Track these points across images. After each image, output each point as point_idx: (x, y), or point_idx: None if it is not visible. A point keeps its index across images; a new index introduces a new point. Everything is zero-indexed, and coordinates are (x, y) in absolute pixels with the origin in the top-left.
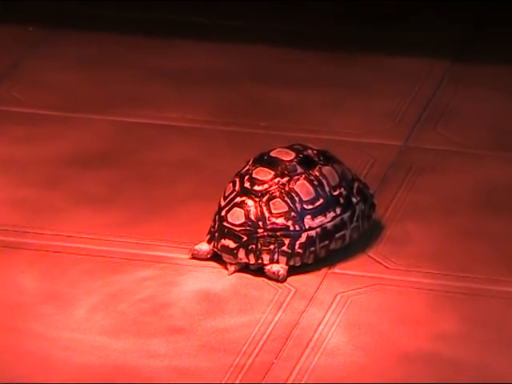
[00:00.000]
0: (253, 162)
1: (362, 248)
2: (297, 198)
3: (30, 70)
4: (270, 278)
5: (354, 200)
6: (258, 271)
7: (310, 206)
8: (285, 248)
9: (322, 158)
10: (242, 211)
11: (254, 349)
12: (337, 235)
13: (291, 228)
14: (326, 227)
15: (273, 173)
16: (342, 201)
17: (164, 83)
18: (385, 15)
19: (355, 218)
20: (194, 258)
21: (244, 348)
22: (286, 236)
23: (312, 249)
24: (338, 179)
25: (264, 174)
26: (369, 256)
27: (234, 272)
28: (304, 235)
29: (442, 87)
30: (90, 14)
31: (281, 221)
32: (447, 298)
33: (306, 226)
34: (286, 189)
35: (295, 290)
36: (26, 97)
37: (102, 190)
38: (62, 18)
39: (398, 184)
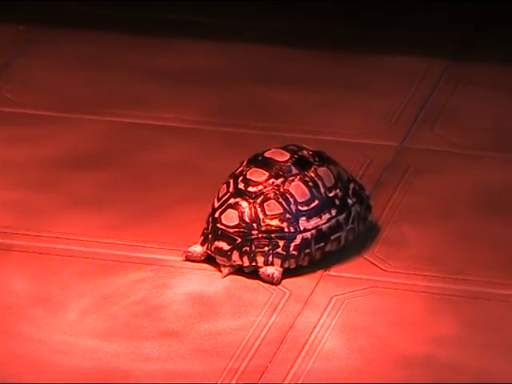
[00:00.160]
0: (247, 162)
1: (357, 250)
2: (292, 200)
3: (22, 70)
4: (264, 281)
5: (350, 201)
6: (252, 274)
7: (305, 208)
8: (279, 250)
9: (317, 158)
10: (236, 213)
11: (248, 352)
12: (332, 237)
13: (286, 230)
14: (321, 229)
15: (267, 174)
16: (337, 202)
17: (160, 83)
18: (384, 15)
19: (351, 220)
20: (187, 259)
21: (238, 351)
22: (280, 238)
23: (307, 251)
24: (333, 180)
25: (258, 174)
26: (365, 258)
27: (228, 274)
28: (299, 237)
29: (439, 87)
30: (84, 12)
31: (275, 222)
32: (445, 301)
33: (301, 228)
34: (281, 190)
35: (290, 292)
36: (17, 97)
37: (95, 191)
38: (53, 16)
39: (395, 185)
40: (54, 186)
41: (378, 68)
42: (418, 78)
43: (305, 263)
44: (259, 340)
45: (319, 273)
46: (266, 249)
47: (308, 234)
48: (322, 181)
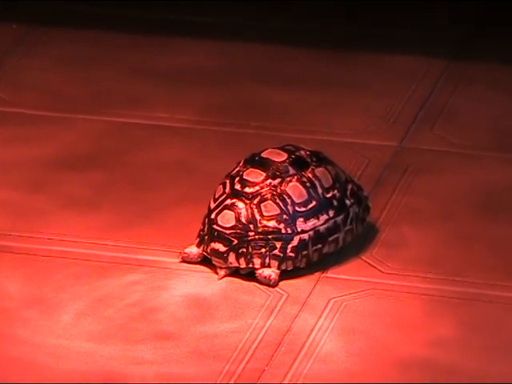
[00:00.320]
0: (243, 163)
1: (355, 252)
2: (289, 201)
3: (15, 69)
4: (261, 283)
5: (348, 202)
6: (249, 275)
7: (303, 209)
8: (276, 252)
9: (314, 158)
10: (233, 214)
11: (245, 355)
12: (330, 238)
13: (283, 231)
14: (318, 230)
15: (264, 174)
16: (335, 203)
17: (158, 83)
18: (384, 15)
19: (349, 221)
20: (183, 261)
21: (234, 354)
22: (277, 239)
23: (304, 252)
24: (331, 181)
25: (255, 175)
26: (363, 260)
27: (224, 276)
28: (296, 238)
29: (439, 86)
30: (79, 10)
31: (272, 224)
32: (444, 303)
33: (299, 229)
34: (278, 191)
35: (287, 294)
36: (10, 96)
37: (89, 192)
38: (46, 15)
39: (394, 186)
40: (48, 187)
41: (378, 68)
42: (417, 78)
43: (302, 265)
44: (256, 343)
45: (317, 275)
46: (263, 250)
47: (305, 236)
48: (319, 181)
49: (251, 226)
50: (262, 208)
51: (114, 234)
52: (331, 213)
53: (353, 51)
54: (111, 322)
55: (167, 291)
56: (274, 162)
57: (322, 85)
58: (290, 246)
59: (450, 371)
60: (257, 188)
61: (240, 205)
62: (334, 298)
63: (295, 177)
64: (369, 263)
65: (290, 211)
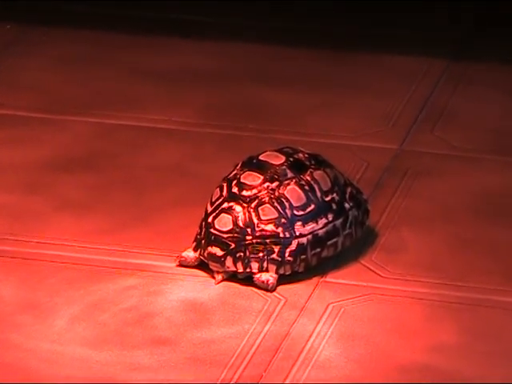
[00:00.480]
0: (241, 165)
1: (355, 256)
2: (287, 204)
3: (8, 70)
4: (258, 288)
5: (347, 206)
6: (247, 280)
7: (301, 212)
8: (274, 256)
9: (313, 161)
10: (230, 217)
11: (242, 361)
12: (329, 242)
13: (281, 235)
14: (317, 234)
15: (262, 177)
16: (334, 207)
17: (151, 83)
18: (384, 15)
19: (348, 225)
20: (180, 265)
21: (232, 360)
22: (275, 243)
23: (303, 257)
24: (330, 184)
25: (253, 178)
26: (362, 264)
27: (222, 281)
28: (294, 242)
29: (439, 87)
30: (77, 10)
31: (270, 227)
32: (444, 308)
33: (297, 233)
34: (276, 194)
35: (285, 299)
36: (3, 98)
37: (84, 195)
38: (44, 15)
39: (393, 189)
40: (42, 190)
41: (378, 68)
42: (417, 79)
43: (300, 269)
44: (254, 348)
45: (315, 279)
46: (261, 254)
47: (304, 240)
48: (318, 184)
49: (249, 230)
50: (260, 211)
51: (109, 237)
52: (330, 216)
53: (353, 51)
54: (106, 327)
55: (163, 296)
56: (272, 164)
57: (322, 85)
58: (288, 250)
59: (451, 377)
60: (254, 191)
61: (237, 208)
62: (332, 302)
63: (293, 180)
64: (368, 267)
65: (288, 215)
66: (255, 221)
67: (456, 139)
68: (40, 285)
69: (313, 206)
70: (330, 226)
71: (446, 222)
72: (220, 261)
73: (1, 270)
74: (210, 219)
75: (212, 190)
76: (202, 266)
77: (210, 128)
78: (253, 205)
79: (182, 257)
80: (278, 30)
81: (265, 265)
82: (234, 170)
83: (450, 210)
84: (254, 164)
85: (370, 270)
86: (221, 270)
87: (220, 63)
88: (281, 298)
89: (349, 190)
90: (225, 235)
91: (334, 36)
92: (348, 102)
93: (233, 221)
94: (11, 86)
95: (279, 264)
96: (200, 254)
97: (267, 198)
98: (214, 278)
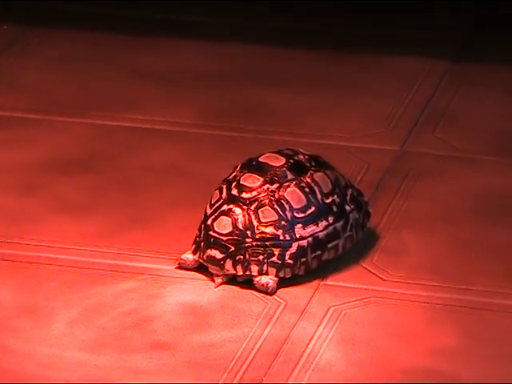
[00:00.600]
0: (241, 167)
1: (355, 259)
2: (287, 206)
3: (5, 70)
4: (258, 291)
5: (348, 208)
6: (246, 283)
7: (301, 215)
8: (274, 259)
9: (313, 163)
10: (230, 220)
11: (242, 365)
12: (329, 245)
13: (281, 237)
14: (317, 237)
15: (262, 179)
16: (334, 209)
17: (150, 84)
18: (384, 15)
19: (349, 227)
20: (180, 267)
21: (231, 364)
22: (275, 246)
23: (303, 259)
24: (330, 186)
25: (252, 180)
26: (363, 267)
27: (221, 284)
28: (295, 245)
29: (441, 87)
30: (73, 11)
31: (270, 230)
32: (446, 312)
33: (297, 236)
34: (276, 196)
35: (285, 303)
36: (1, 98)
37: (81, 197)
38: (39, 15)
39: (394, 191)
40: (38, 192)
41: (378, 68)
42: (419, 79)
43: (301, 272)
44: (253, 352)
45: (316, 282)
46: (261, 257)
47: (304, 242)
48: (318, 186)
49: (248, 233)
50: (260, 214)
51: (107, 239)
52: (331, 219)
53: (353, 51)
54: (105, 331)
55: (162, 299)
56: (272, 166)
57: (322, 86)
58: (288, 252)
59: (453, 381)
60: (254, 193)
61: (237, 210)
62: (333, 306)
63: (294, 182)
64: (369, 270)
65: (289, 217)
66: (255, 223)
67: (457, 140)
68: (37, 288)
69: (313, 209)
70: (331, 228)
71: (447, 224)
72: (219, 264)
73: None
74: (209, 221)
75: (211, 191)
76: (201, 268)
77: (209, 129)
78: (252, 207)
79: (181, 259)
80: (278, 30)
81: (265, 268)
82: (233, 172)
83: (451, 211)
84: (253, 166)
85: (371, 272)
86: (220, 273)
87: (219, 64)
88: (281, 301)
89: (349, 191)
90: (224, 238)
91: (334, 36)
92: (348, 103)
93: (232, 223)
94: (10, 87)
95: (279, 267)
96: (199, 257)
97: (267, 200)
98: (213, 281)
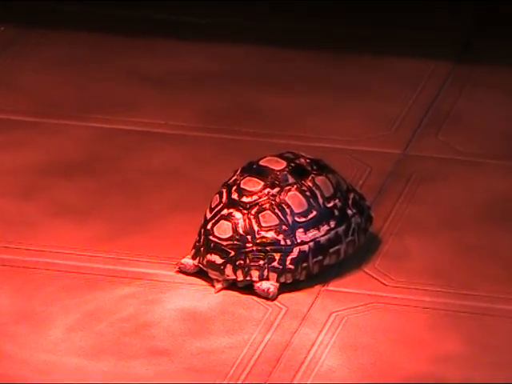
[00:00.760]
0: (241, 171)
1: (357, 264)
2: (288, 210)
3: (3, 72)
4: (259, 296)
5: (350, 212)
6: (247, 288)
7: (303, 219)
8: (275, 264)
9: (315, 167)
10: (230, 224)
11: (243, 372)
12: (331, 250)
13: (282, 242)
14: (319, 241)
15: (262, 183)
16: (336, 213)
17: (149, 86)
18: (384, 15)
19: (351, 232)
20: (180, 271)
21: (231, 371)
22: (276, 251)
23: (304, 264)
24: (332, 190)
25: (253, 184)
26: (365, 272)
27: (221, 289)
28: (296, 250)
29: (444, 89)
30: (72, 12)
31: (271, 234)
32: (450, 318)
33: (298, 240)
34: (277, 200)
35: (286, 308)
36: (0, 100)
37: (80, 201)
38: (38, 17)
39: (397, 195)
40: (36, 196)
41: (379, 70)
42: (422, 81)
43: (302, 277)
44: (254, 358)
45: (317, 288)
46: (261, 262)
47: (305, 247)
48: (320, 190)
49: (249, 237)
50: (260, 218)
51: (105, 244)
52: (332, 223)
53: (353, 52)
54: (103, 336)
55: (161, 305)
56: (273, 170)
57: (323, 87)
58: (289, 257)
59: None
60: (255, 197)
61: (237, 215)
62: (335, 311)
63: (295, 186)
64: (371, 275)
65: (290, 221)
66: (255, 228)
67: (461, 143)
68: (35, 293)
69: (315, 213)
70: (333, 233)
71: (450, 229)
72: (219, 269)
73: None
74: (209, 226)
75: (211, 194)
76: (201, 274)
77: (209, 131)
78: (253, 211)
79: (181, 263)
80: (278, 31)
81: (265, 273)
82: (233, 176)
83: (454, 215)
84: (254, 169)
85: (373, 277)
86: (220, 279)
87: (219, 65)
88: (282, 306)
89: (351, 195)
90: (224, 242)
91: (334, 36)
92: (349, 104)
93: (232, 228)
94: (7, 88)
95: (280, 272)
96: (199, 262)
97: (268, 205)
98: (213, 286)
